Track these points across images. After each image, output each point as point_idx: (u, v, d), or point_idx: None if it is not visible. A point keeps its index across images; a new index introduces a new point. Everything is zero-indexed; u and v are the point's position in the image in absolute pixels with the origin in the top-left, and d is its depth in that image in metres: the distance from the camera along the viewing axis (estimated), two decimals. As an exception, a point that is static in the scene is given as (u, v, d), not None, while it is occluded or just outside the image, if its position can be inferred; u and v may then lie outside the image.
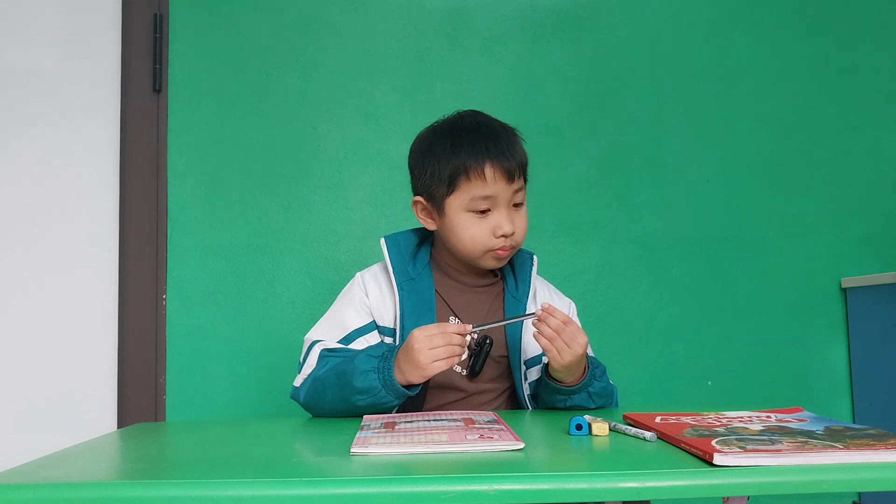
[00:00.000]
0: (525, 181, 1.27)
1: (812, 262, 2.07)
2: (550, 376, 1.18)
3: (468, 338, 1.09)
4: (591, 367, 1.18)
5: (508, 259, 1.28)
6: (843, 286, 2.05)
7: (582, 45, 2.07)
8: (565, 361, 1.11)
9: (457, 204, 1.21)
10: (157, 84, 1.95)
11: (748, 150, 2.09)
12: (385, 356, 1.12)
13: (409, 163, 1.31)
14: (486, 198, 1.19)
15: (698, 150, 2.08)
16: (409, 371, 1.08)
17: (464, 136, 1.22)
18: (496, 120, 1.28)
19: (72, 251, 1.92)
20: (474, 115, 1.28)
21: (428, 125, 1.32)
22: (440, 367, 1.07)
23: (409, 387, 1.10)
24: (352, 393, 1.10)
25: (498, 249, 1.22)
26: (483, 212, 1.21)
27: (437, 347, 1.06)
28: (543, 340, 1.11)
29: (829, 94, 2.12)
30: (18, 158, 1.93)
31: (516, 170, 1.21)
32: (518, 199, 1.23)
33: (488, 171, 1.19)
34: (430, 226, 1.28)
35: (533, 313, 1.13)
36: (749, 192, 2.08)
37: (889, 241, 2.09)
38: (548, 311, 1.12)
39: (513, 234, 1.21)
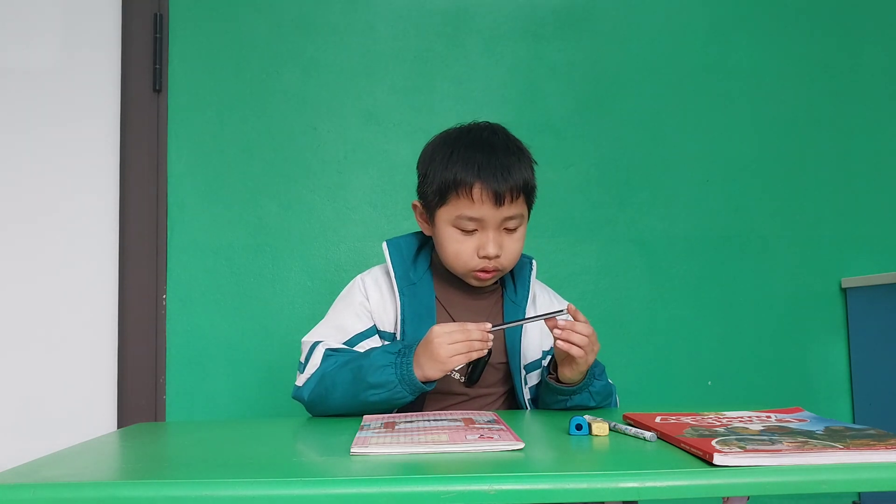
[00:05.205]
0: (529, 206, 1.23)
1: (812, 262, 2.07)
2: (555, 378, 1.19)
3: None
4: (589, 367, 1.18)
5: (493, 280, 1.26)
6: (843, 286, 2.05)
7: (582, 45, 2.07)
8: (590, 362, 1.14)
9: (445, 217, 1.20)
10: (157, 84, 1.95)
11: (748, 150, 2.09)
12: (402, 352, 1.12)
13: (417, 163, 1.29)
14: (472, 219, 1.17)
15: (698, 150, 2.08)
16: (427, 366, 1.09)
17: (463, 149, 1.18)
18: (507, 138, 1.22)
19: (72, 251, 1.92)
20: (484, 129, 1.23)
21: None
22: (460, 360, 1.08)
23: (425, 382, 1.11)
24: (364, 388, 1.10)
25: (479, 271, 1.20)
26: (470, 231, 1.19)
27: (458, 343, 1.07)
28: (576, 349, 1.11)
29: (829, 94, 2.12)
30: (18, 158, 1.93)
31: (508, 194, 1.15)
32: (511, 225, 1.19)
33: (476, 191, 1.15)
34: (427, 230, 1.28)
35: (562, 311, 1.12)
36: (749, 192, 2.08)
37: (889, 241, 2.09)
38: (574, 312, 1.13)
39: (497, 257, 1.19)
